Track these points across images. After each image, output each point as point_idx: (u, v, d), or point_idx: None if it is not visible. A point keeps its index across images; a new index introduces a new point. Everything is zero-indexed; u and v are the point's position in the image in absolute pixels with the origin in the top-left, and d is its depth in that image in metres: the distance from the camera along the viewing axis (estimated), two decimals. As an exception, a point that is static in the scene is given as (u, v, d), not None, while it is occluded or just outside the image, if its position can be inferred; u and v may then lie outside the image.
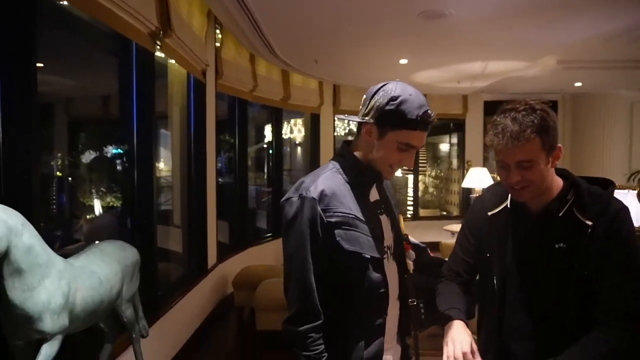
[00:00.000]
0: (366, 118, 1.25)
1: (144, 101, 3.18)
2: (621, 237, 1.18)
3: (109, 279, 1.81)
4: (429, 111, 1.21)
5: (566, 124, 8.17)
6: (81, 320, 1.67)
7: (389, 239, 1.33)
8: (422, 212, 8.92)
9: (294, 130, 8.09)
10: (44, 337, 1.51)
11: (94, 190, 3.58)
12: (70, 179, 3.49)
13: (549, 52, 5.24)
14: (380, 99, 1.23)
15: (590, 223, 1.18)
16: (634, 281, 1.16)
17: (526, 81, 6.70)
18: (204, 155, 4.33)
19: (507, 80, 6.81)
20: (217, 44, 4.62)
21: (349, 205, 1.23)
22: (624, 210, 1.20)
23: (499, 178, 1.33)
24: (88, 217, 3.55)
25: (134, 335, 2.10)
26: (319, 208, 1.19)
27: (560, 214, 1.23)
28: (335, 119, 7.64)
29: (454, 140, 9.46)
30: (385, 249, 1.30)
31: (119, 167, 3.63)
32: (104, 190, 3.64)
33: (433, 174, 10.35)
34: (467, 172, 7.11)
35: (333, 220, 1.20)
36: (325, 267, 1.20)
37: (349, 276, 1.22)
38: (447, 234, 6.65)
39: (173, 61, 3.91)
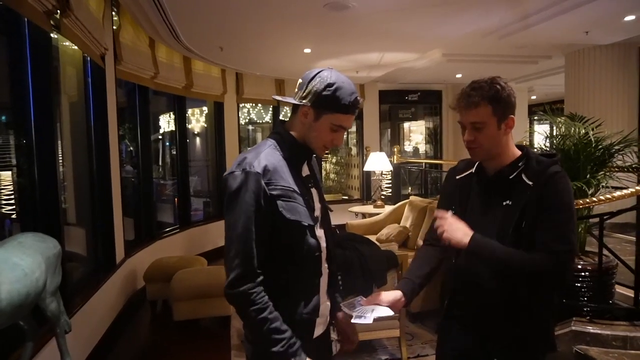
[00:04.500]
0: (304, 101, 1.37)
1: (42, 86, 2.90)
2: (554, 192, 1.41)
3: (33, 270, 1.71)
4: (358, 97, 1.38)
5: (450, 113, 9.09)
6: (7, 315, 1.56)
7: (317, 209, 1.48)
8: (326, 197, 9.27)
9: (192, 120, 7.89)
10: (-30, 335, 1.41)
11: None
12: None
13: (436, 45, 5.82)
14: (317, 84, 1.35)
15: (531, 183, 1.45)
16: (561, 228, 1.39)
17: (416, 72, 7.33)
18: (106, 146, 4.08)
19: (399, 71, 7.39)
20: (114, 27, 4.37)
21: (287, 179, 1.35)
22: (559, 173, 1.43)
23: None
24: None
25: (58, 330, 1.99)
26: (262, 182, 1.29)
27: (511, 177, 1.49)
28: (240, 105, 7.62)
29: (352, 128, 9.97)
30: (316, 217, 1.45)
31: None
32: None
33: (334, 160, 10.80)
34: (366, 157, 7.59)
35: (275, 192, 1.31)
36: (267, 235, 1.31)
37: (290, 242, 1.35)
38: (351, 214, 7.08)
39: (67, 44, 3.64)
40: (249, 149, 1.43)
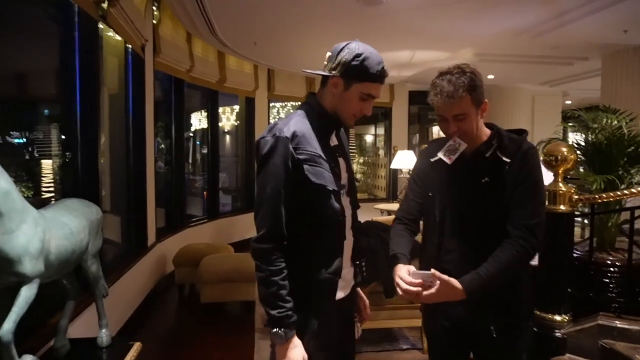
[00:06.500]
0: (334, 72, 1.43)
1: (89, 77, 3.00)
2: (528, 168, 1.50)
3: (79, 230, 1.83)
4: (385, 67, 1.44)
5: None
6: (54, 269, 1.69)
7: (344, 178, 1.54)
8: (352, 197, 9.31)
9: (223, 118, 8.09)
10: (22, 281, 1.52)
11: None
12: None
13: (468, 44, 5.79)
14: (345, 55, 1.41)
15: (508, 160, 1.51)
16: (534, 201, 1.50)
17: (447, 72, 7.28)
18: (143, 137, 4.23)
19: (430, 71, 7.33)
20: (154, 22, 4.56)
21: (314, 146, 1.42)
22: (532, 149, 1.54)
23: (440, 132, 1.64)
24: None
25: (97, 292, 2.12)
26: (290, 146, 1.37)
27: (487, 155, 1.55)
28: (270, 104, 7.77)
29: (380, 131, 10.01)
30: (342, 185, 1.52)
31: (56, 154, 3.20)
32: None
33: (361, 160, 10.84)
34: (394, 157, 7.60)
35: (302, 157, 1.38)
36: (295, 197, 1.39)
37: (316, 205, 1.42)
38: (377, 212, 7.10)
39: (110, 34, 3.83)
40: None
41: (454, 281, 1.41)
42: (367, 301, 1.70)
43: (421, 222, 1.76)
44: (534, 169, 1.52)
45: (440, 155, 1.58)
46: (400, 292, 1.47)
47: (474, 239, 1.55)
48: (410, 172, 1.89)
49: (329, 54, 1.46)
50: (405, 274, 1.46)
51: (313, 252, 1.43)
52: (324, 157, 1.43)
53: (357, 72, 1.40)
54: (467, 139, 1.53)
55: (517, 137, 1.58)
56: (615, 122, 2.83)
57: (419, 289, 1.43)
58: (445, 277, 1.41)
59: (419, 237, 1.75)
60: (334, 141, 1.54)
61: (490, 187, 1.52)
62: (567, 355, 2.62)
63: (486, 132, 1.59)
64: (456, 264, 1.54)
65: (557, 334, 2.67)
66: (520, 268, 1.54)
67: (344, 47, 1.42)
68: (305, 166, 1.38)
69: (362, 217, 1.66)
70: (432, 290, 1.42)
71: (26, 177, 3.00)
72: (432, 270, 1.43)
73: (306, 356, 1.37)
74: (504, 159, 1.51)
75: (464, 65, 1.51)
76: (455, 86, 1.45)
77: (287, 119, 1.45)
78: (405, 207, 1.74)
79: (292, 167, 1.37)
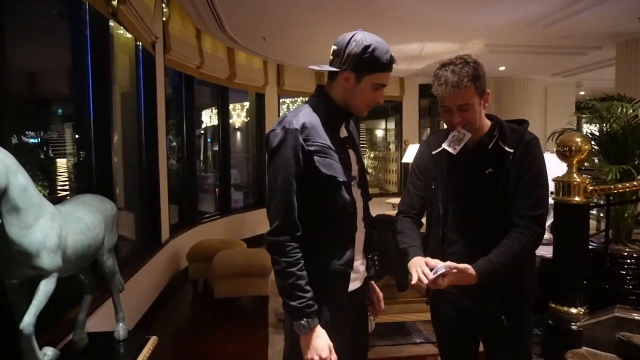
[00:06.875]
0: (344, 67, 1.42)
1: (101, 74, 3.02)
2: (532, 159, 1.51)
3: (95, 225, 1.86)
4: (392, 54, 1.44)
5: (491, 105, 8.89)
6: (71, 263, 1.72)
7: (355, 170, 1.54)
8: (363, 191, 9.31)
9: (233, 115, 8.12)
10: (41, 275, 1.55)
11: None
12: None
13: (478, 35, 5.73)
14: (354, 49, 1.39)
15: (511, 150, 1.52)
16: (538, 191, 1.51)
17: (457, 65, 7.22)
18: (155, 135, 4.26)
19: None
20: (164, 19, 4.59)
21: (324, 137, 1.42)
22: (534, 139, 1.54)
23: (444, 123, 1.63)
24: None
25: (113, 287, 2.15)
26: (300, 138, 1.37)
27: (490, 146, 1.55)
28: (280, 100, 7.78)
29: (390, 125, 9.96)
30: (353, 176, 1.52)
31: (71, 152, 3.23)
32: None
33: (372, 155, 10.81)
34: (405, 151, 7.57)
35: (312, 148, 1.39)
36: (305, 188, 1.39)
37: (326, 196, 1.42)
38: (388, 206, 7.09)
39: (121, 31, 3.86)
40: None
41: (469, 267, 1.44)
42: (380, 294, 1.69)
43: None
44: (537, 159, 1.53)
45: (444, 145, 1.57)
46: (415, 280, 1.46)
47: (477, 231, 1.56)
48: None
49: (334, 47, 1.44)
50: (426, 268, 1.46)
51: (324, 244, 1.44)
52: (334, 149, 1.42)
53: (368, 64, 1.39)
54: (470, 130, 1.53)
55: (518, 127, 1.58)
56: (631, 110, 2.78)
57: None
58: (460, 265, 1.43)
59: (422, 229, 1.75)
60: (343, 133, 1.53)
61: (494, 178, 1.52)
62: (584, 348, 2.60)
63: (487, 123, 1.59)
64: (460, 255, 1.54)
65: (573, 327, 2.65)
66: (526, 257, 1.56)
67: (350, 40, 1.40)
68: (315, 157, 1.38)
69: (374, 211, 1.65)
70: (447, 278, 1.44)
71: (42, 176, 3.03)
72: (448, 262, 1.45)
73: (331, 344, 1.37)
74: (507, 149, 1.52)
75: (466, 55, 1.51)
76: (460, 76, 1.45)
77: (296, 111, 1.45)
78: (408, 200, 1.74)
79: (302, 158, 1.37)
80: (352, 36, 1.40)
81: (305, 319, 1.35)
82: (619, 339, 2.66)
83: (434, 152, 1.65)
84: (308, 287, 1.36)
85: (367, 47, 1.38)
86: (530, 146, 1.52)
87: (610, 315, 2.70)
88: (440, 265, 1.45)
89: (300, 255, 1.37)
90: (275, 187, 1.37)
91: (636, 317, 2.64)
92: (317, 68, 1.50)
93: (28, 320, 1.50)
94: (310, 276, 1.38)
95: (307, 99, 1.55)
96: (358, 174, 1.55)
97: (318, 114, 1.45)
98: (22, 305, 1.56)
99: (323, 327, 1.39)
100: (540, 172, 1.53)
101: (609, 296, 2.80)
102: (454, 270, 1.43)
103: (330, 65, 1.44)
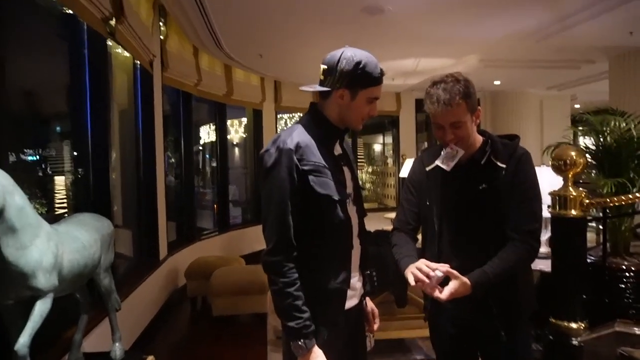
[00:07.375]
0: (338, 85, 1.43)
1: (99, 93, 3.06)
2: (524, 173, 1.54)
3: (91, 244, 1.86)
4: (380, 67, 1.45)
5: (487, 120, 8.97)
6: (67, 282, 1.71)
7: (349, 187, 1.54)
8: (361, 206, 9.31)
9: (231, 131, 8.16)
10: (37, 295, 1.54)
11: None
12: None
13: (472, 50, 5.80)
14: (346, 66, 1.40)
15: (504, 166, 1.54)
16: (532, 205, 1.54)
17: (453, 79, 7.29)
18: (153, 152, 4.26)
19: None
20: (161, 37, 4.64)
21: (318, 156, 1.43)
22: (526, 154, 1.57)
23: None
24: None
25: (110, 306, 2.14)
26: (295, 158, 1.38)
27: (482, 162, 1.56)
28: (278, 116, 7.82)
29: (388, 140, 10.01)
30: (348, 194, 1.52)
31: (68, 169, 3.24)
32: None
33: (370, 170, 10.83)
34: (402, 165, 7.59)
35: (307, 168, 1.39)
36: (300, 208, 1.39)
37: (322, 215, 1.42)
38: (387, 221, 7.07)
39: (119, 50, 3.90)
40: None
41: (464, 278, 1.45)
42: (376, 310, 1.68)
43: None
44: (529, 173, 1.55)
45: (438, 162, 1.59)
46: (413, 282, 1.47)
47: (472, 246, 1.56)
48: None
49: (324, 66, 1.44)
50: (425, 267, 1.47)
51: (321, 262, 1.43)
52: (328, 167, 1.43)
53: (361, 80, 1.41)
54: (463, 146, 1.55)
55: (509, 142, 1.60)
56: (624, 124, 2.80)
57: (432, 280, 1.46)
58: (456, 273, 1.45)
59: (418, 245, 1.75)
60: (337, 150, 1.54)
61: (488, 194, 1.54)
62: (585, 363, 2.58)
63: (479, 139, 1.61)
64: (456, 270, 1.52)
65: (574, 342, 2.62)
66: (521, 270, 1.58)
67: (340, 58, 1.41)
68: (310, 177, 1.39)
69: (372, 226, 1.66)
70: (446, 289, 1.45)
71: (40, 193, 3.04)
72: (446, 267, 1.46)
73: None
74: (499, 164, 1.54)
75: (456, 73, 1.54)
76: (452, 94, 1.47)
77: (289, 130, 1.46)
78: (403, 217, 1.74)
79: (297, 178, 1.37)
80: (342, 54, 1.41)
81: (302, 340, 1.34)
82: (620, 354, 2.64)
83: (427, 169, 1.67)
84: (305, 308, 1.36)
85: (358, 63, 1.39)
86: (522, 161, 1.55)
87: (610, 330, 2.68)
88: (437, 268, 1.47)
89: (296, 275, 1.37)
90: (271, 207, 1.38)
91: (637, 332, 2.63)
92: (310, 89, 1.50)
93: (23, 341, 1.49)
94: (306, 295, 1.37)
95: (300, 117, 1.56)
96: (353, 190, 1.56)
97: (312, 133, 1.45)
98: (17, 325, 1.55)
99: (320, 346, 1.38)
100: (532, 186, 1.55)
101: (608, 310, 2.78)
102: (454, 275, 1.44)
103: (322, 84, 1.45)
